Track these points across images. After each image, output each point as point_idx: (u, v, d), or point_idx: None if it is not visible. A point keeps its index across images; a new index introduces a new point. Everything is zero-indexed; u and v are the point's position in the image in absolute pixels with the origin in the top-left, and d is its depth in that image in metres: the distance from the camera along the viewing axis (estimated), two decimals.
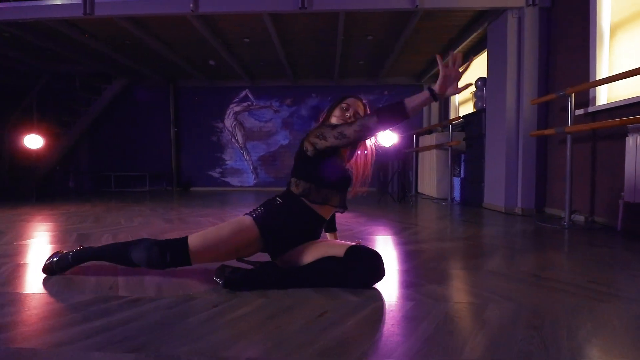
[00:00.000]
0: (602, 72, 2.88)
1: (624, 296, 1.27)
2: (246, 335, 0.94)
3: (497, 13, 3.68)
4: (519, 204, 3.53)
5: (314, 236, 1.46)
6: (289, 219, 1.38)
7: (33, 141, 4.58)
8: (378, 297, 1.28)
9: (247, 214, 1.40)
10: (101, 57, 5.35)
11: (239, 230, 1.33)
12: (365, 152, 1.56)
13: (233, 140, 7.00)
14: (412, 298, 1.25)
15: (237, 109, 6.97)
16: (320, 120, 1.49)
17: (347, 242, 1.42)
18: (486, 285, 1.40)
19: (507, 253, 1.95)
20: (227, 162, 7.03)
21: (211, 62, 5.75)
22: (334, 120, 1.43)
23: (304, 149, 1.40)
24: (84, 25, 4.22)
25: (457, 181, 4.78)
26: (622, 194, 2.53)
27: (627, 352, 0.88)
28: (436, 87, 1.22)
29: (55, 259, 1.43)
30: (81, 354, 0.86)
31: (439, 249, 2.02)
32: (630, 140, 2.45)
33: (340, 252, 1.40)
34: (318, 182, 1.38)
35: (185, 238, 1.32)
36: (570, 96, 2.82)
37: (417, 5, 3.50)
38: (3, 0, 3.81)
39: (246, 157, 7.00)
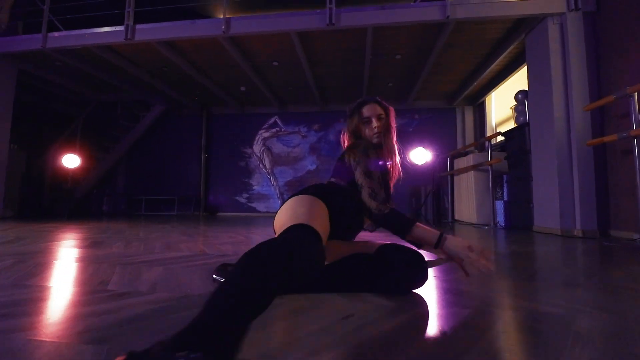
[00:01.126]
0: None
1: None
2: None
3: (535, 21, 3.47)
4: (578, 226, 3.05)
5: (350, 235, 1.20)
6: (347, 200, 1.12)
7: (70, 160, 4.78)
8: (420, 301, 1.00)
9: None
10: (140, 84, 5.67)
11: (320, 207, 1.01)
12: (387, 167, 1.26)
13: (261, 165, 7.01)
14: (467, 305, 0.95)
15: (266, 134, 7.04)
16: (345, 142, 1.33)
17: (379, 242, 1.17)
18: (563, 296, 1.07)
19: (578, 268, 1.58)
20: (254, 188, 6.99)
21: (242, 88, 5.91)
22: (367, 131, 1.23)
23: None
24: (125, 52, 4.49)
25: (500, 204, 4.33)
26: None
27: None
28: (449, 244, 1.00)
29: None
30: (30, 342, 0.66)
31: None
32: None
33: (371, 249, 1.15)
34: None
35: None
36: (633, 96, 2.47)
37: (448, 16, 3.39)
38: (55, 29, 4.16)
39: (273, 182, 6.94)
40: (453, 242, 0.99)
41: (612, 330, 0.75)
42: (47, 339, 0.67)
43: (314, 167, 6.85)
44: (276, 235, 0.88)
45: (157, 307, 0.90)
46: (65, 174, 5.02)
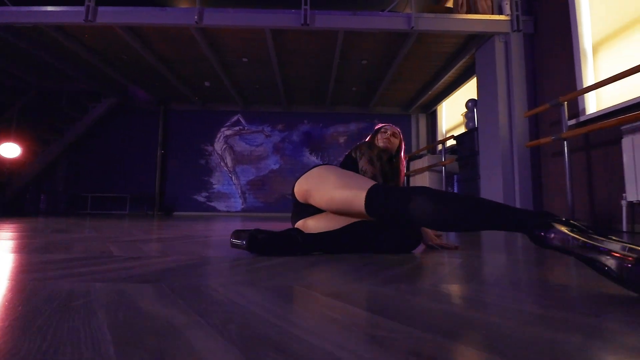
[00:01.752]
0: (588, 84, 3.07)
1: None
2: (280, 275, 0.78)
3: (485, 39, 3.96)
4: None
5: None
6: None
7: (8, 150, 4.29)
8: (419, 257, 1.16)
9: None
10: (94, 72, 5.27)
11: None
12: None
13: (222, 163, 6.86)
14: (456, 256, 1.13)
15: (229, 132, 6.92)
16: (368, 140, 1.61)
17: None
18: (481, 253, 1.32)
19: (501, 242, 1.88)
20: (214, 186, 6.81)
21: (207, 84, 5.79)
22: (380, 142, 1.54)
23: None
24: (80, 34, 4.18)
25: None
26: (624, 194, 2.56)
27: None
28: (425, 233, 1.42)
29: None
30: (83, 285, 0.70)
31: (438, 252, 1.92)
32: (625, 142, 2.54)
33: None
34: None
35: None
36: (563, 105, 2.96)
37: (412, 27, 3.73)
38: (2, 4, 3.76)
39: (235, 181, 6.82)
40: (428, 231, 1.42)
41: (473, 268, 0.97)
42: (96, 282, 0.70)
43: (277, 166, 6.88)
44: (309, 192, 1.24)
45: (179, 264, 0.94)
46: (4, 168, 4.47)
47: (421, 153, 6.13)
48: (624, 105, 2.63)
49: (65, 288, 0.61)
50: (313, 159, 6.91)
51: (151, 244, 1.36)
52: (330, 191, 1.18)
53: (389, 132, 1.56)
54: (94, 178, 6.59)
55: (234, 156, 6.88)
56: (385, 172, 1.46)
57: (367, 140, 1.57)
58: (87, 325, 0.42)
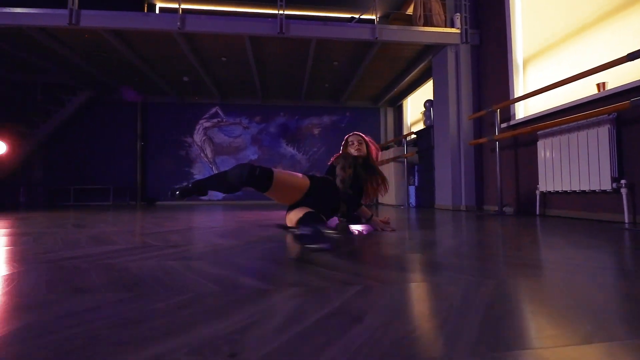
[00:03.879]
0: (519, 93, 3.72)
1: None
2: (283, 251, 1.29)
3: (439, 48, 4.51)
4: (464, 203, 4.21)
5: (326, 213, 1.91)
6: (330, 189, 1.85)
7: None
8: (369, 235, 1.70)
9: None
10: (69, 66, 5.33)
11: (302, 179, 1.76)
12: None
13: (202, 154, 7.15)
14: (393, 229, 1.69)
15: (207, 124, 7.19)
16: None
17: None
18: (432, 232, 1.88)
19: (450, 225, 2.48)
20: (195, 176, 7.11)
21: (185, 79, 6.00)
22: (352, 151, 2.07)
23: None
24: (61, 34, 4.29)
25: (412, 189, 5.43)
26: (538, 186, 3.26)
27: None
28: (374, 219, 2.05)
29: (181, 187, 1.81)
30: (157, 263, 1.17)
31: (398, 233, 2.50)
32: (539, 144, 3.22)
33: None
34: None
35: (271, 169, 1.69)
36: (496, 112, 3.60)
37: (376, 37, 4.21)
38: None
39: (215, 171, 7.15)
40: (376, 219, 2.05)
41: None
42: (169, 261, 1.18)
43: (255, 156, 7.27)
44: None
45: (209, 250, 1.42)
46: None
47: (388, 145, 6.74)
48: (540, 115, 3.29)
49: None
50: (290, 149, 7.35)
51: (172, 236, 1.81)
52: None
53: (355, 143, 2.10)
54: (75, 170, 6.69)
55: (213, 147, 7.19)
56: (358, 173, 1.98)
57: (342, 151, 2.12)
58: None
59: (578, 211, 2.91)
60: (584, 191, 2.82)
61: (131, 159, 6.86)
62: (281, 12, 4.02)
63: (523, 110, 3.73)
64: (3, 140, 4.64)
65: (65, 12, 3.85)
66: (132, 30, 4.12)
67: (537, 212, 3.27)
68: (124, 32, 4.23)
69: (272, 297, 0.75)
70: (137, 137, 6.87)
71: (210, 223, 2.52)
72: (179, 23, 3.96)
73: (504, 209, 3.56)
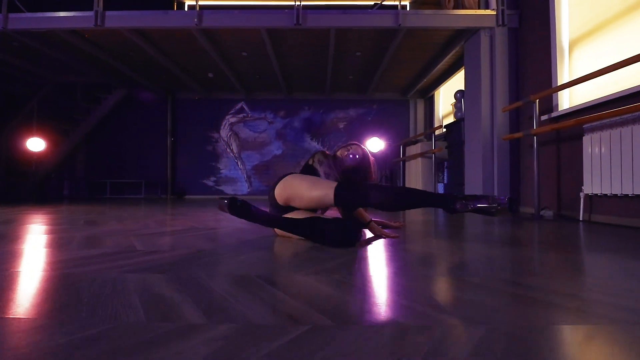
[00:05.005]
0: (563, 81, 3.27)
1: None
2: (260, 263, 1.17)
3: (471, 32, 4.10)
4: None
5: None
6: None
7: (35, 144, 4.74)
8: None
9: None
10: (104, 67, 5.61)
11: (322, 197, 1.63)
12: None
13: (228, 150, 7.25)
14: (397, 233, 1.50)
15: (233, 120, 7.26)
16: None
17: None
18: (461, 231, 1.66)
19: (476, 225, 2.22)
20: (221, 171, 7.24)
21: (210, 75, 6.07)
22: (341, 151, 1.91)
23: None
24: (91, 36, 4.48)
25: (440, 186, 5.08)
26: (582, 187, 2.84)
27: None
28: (372, 225, 1.81)
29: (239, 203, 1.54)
30: (118, 275, 1.08)
31: (424, 229, 2.27)
32: (585, 140, 2.79)
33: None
34: None
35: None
36: (535, 103, 3.18)
37: (399, 24, 3.91)
38: (17, 11, 4.07)
39: (240, 166, 7.23)
40: (374, 225, 1.82)
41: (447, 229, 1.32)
42: (128, 273, 1.09)
43: (280, 152, 7.24)
44: (279, 202, 1.70)
45: (186, 256, 1.32)
46: (28, 157, 4.95)
47: (417, 139, 6.37)
48: (588, 105, 2.85)
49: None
50: (314, 144, 7.22)
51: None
52: (307, 194, 1.61)
53: (358, 156, 1.85)
54: (111, 165, 7.09)
55: (239, 142, 7.25)
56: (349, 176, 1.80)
57: (331, 154, 1.91)
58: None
59: (631, 218, 2.49)
60: (638, 195, 2.39)
61: (162, 154, 7.12)
62: (298, 2, 3.86)
63: (567, 101, 3.28)
64: (43, 138, 4.95)
65: (91, 14, 3.98)
66: (153, 29, 4.18)
67: (581, 218, 2.85)
68: (146, 31, 4.31)
69: (190, 338, 0.62)
70: (167, 133, 7.10)
71: (213, 223, 2.46)
72: (196, 19, 3.95)
73: (541, 212, 3.17)
